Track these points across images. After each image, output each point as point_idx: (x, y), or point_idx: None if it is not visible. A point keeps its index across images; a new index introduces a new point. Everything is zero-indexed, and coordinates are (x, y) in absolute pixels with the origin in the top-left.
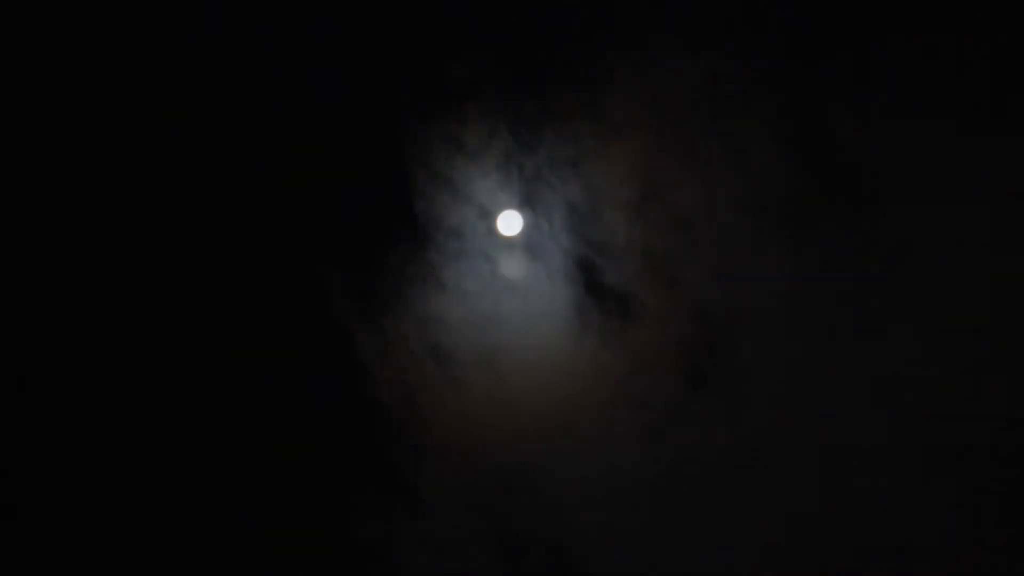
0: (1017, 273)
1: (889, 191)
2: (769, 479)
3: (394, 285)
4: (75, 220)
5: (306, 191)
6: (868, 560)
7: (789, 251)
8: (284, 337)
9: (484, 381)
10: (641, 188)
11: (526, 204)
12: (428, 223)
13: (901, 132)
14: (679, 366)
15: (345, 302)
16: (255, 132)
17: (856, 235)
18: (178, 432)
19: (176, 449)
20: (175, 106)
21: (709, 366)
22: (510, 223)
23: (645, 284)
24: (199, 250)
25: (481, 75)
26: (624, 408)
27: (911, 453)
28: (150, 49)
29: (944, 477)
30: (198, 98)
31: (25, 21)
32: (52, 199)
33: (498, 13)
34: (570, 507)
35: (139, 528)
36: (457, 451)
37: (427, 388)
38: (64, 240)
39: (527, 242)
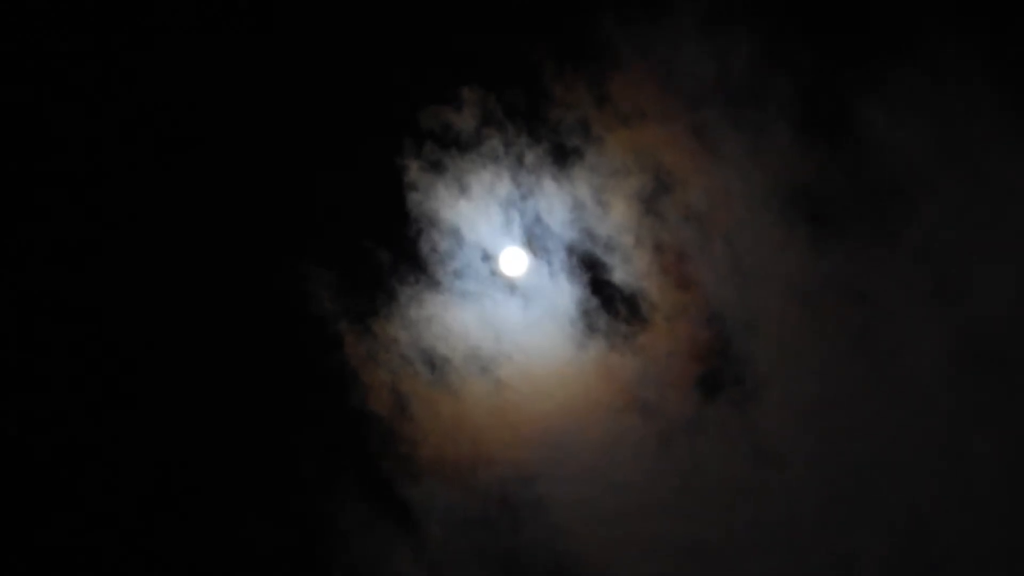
0: None
1: (918, 185)
2: (788, 492)
3: (385, 284)
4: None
5: (293, 189)
6: (889, 570)
7: (810, 249)
8: (268, 341)
9: (482, 388)
10: (651, 180)
11: (528, 197)
12: (422, 217)
13: (932, 122)
14: (692, 372)
15: (332, 303)
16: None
17: (882, 232)
18: (157, 447)
19: (157, 465)
20: (167, 105)
21: (724, 372)
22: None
23: (655, 283)
24: (185, 250)
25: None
26: (633, 417)
27: (933, 461)
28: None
29: (965, 484)
30: (188, 101)
31: None
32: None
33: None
34: (574, 523)
35: (124, 545)
36: (453, 463)
37: (420, 396)
38: (51, 242)
39: (528, 239)
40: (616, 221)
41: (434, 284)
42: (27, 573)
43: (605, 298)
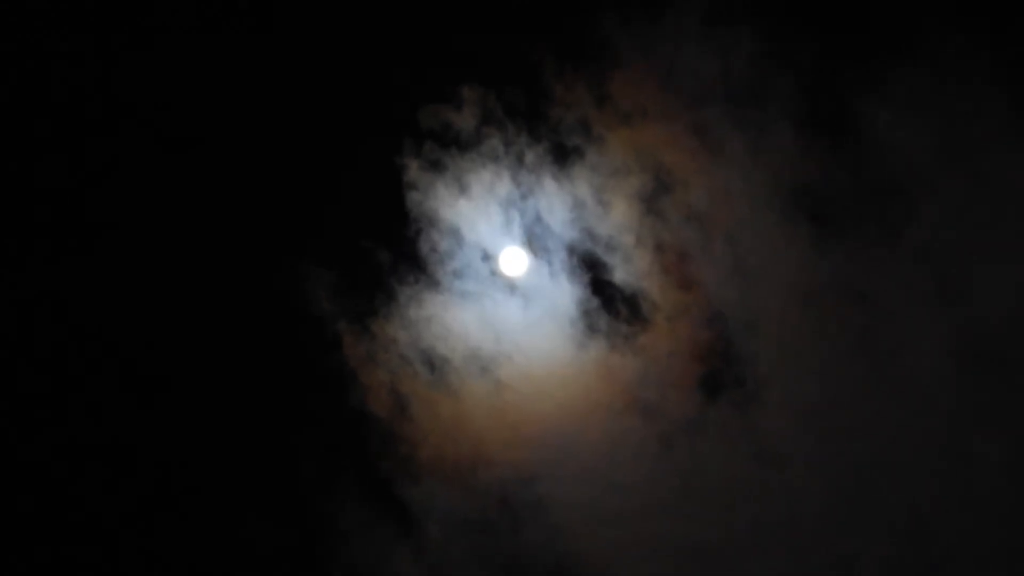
0: None
1: (920, 185)
2: (789, 492)
3: (384, 284)
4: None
5: (293, 188)
6: (890, 570)
7: (811, 249)
8: (267, 342)
9: (482, 389)
10: (652, 180)
11: (528, 196)
12: (421, 217)
13: (934, 121)
14: (693, 372)
15: (331, 303)
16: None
17: (883, 232)
18: (157, 447)
19: (157, 465)
20: (167, 105)
21: (725, 372)
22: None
23: (656, 283)
24: (184, 249)
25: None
26: (634, 417)
27: (934, 461)
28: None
29: (967, 484)
30: (188, 101)
31: None
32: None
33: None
34: (574, 524)
35: (124, 545)
36: (453, 464)
37: (420, 396)
38: (52, 243)
39: (528, 239)
40: (617, 221)
41: (434, 284)
42: (27, 574)
43: (606, 298)
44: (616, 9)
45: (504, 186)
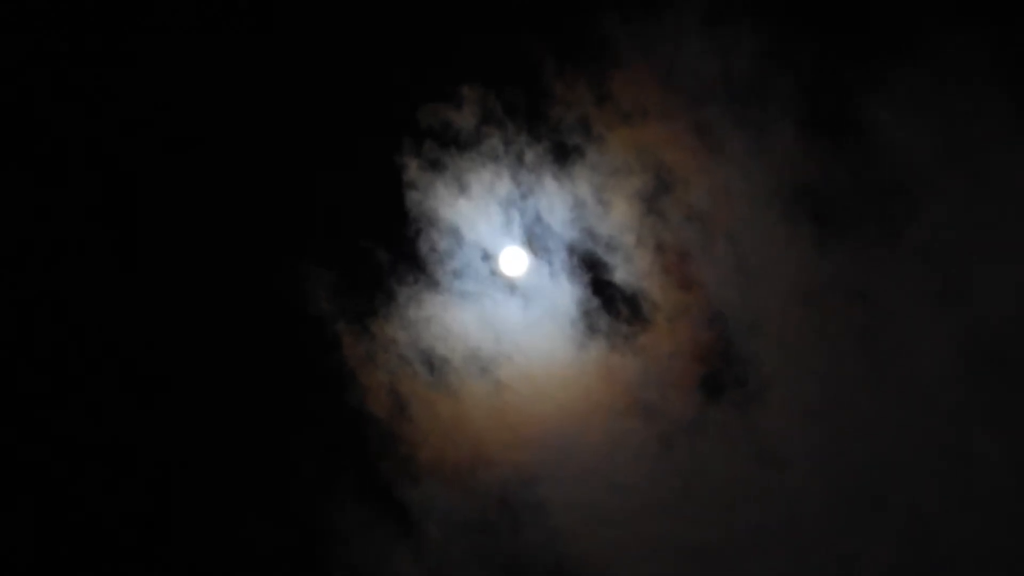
0: None
1: (922, 185)
2: (790, 493)
3: (383, 284)
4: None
5: (292, 188)
6: (891, 571)
7: (813, 249)
8: (266, 342)
9: (482, 389)
10: (653, 179)
11: (528, 196)
12: (421, 217)
13: (936, 121)
14: (694, 373)
15: (330, 303)
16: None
17: (885, 232)
18: (156, 447)
19: (156, 465)
20: (167, 105)
21: (726, 373)
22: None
23: (657, 283)
24: (184, 249)
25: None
26: (634, 418)
27: (936, 462)
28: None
29: (969, 485)
30: (188, 101)
31: None
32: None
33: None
34: (575, 525)
35: (124, 545)
36: (452, 465)
37: (419, 397)
38: (51, 242)
39: (528, 239)
40: (617, 220)
41: (433, 284)
42: (27, 574)
43: (606, 298)
44: (616, 9)
45: (504, 186)
